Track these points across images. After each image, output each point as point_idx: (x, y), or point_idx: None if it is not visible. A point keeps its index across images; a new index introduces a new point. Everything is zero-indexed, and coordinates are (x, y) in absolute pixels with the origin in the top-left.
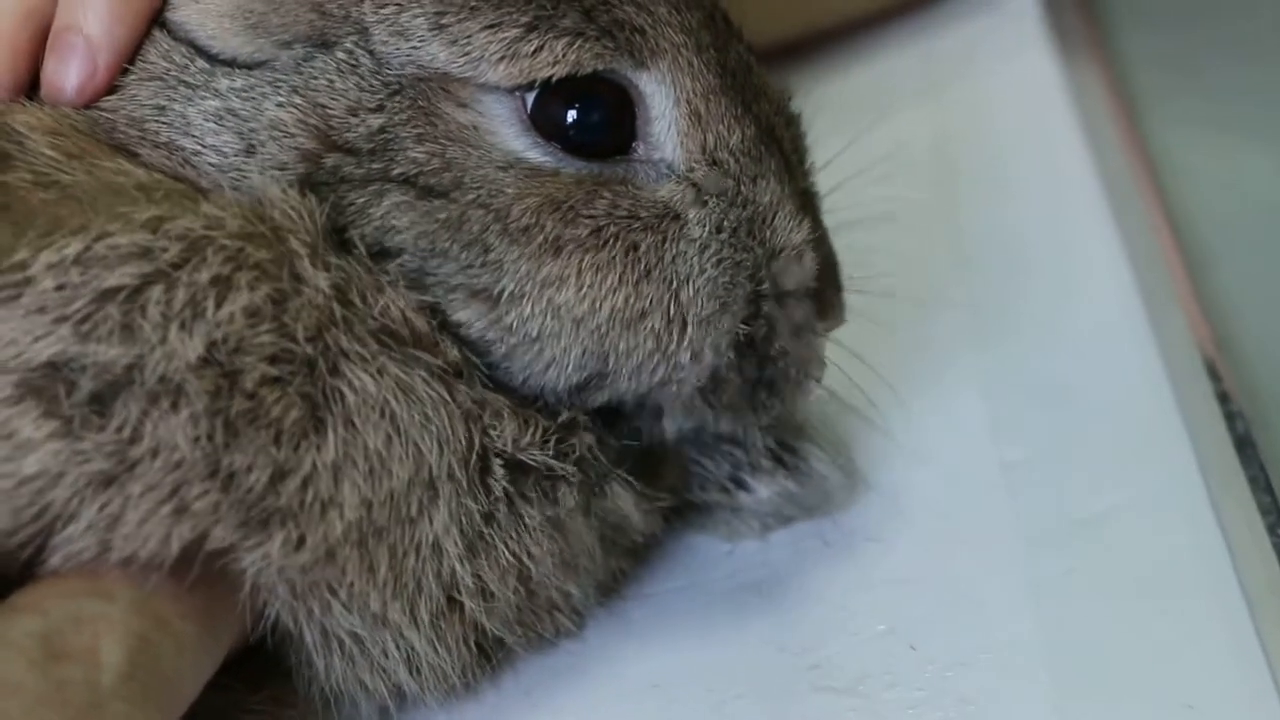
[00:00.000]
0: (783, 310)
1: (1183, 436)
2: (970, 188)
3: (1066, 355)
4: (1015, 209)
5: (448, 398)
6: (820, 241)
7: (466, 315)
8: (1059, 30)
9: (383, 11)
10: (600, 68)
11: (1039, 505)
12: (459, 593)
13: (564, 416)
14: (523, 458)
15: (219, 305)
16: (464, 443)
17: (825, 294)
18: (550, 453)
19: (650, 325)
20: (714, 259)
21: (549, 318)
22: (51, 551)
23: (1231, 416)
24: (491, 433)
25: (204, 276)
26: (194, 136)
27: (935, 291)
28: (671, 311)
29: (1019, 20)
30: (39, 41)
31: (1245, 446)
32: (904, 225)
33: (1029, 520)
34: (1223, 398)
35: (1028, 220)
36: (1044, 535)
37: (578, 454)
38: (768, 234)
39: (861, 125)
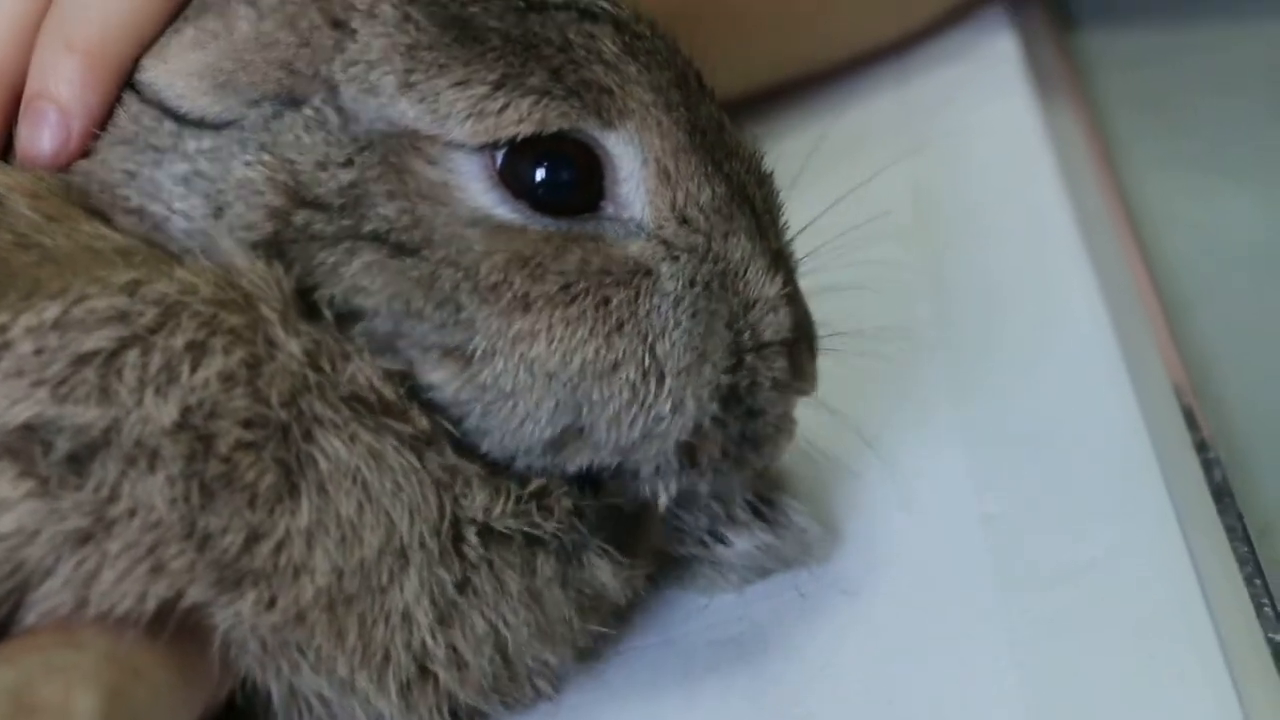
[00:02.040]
0: (763, 362)
1: (1160, 485)
2: (948, 233)
3: (1044, 404)
4: (993, 254)
5: (418, 466)
6: (793, 298)
7: (440, 376)
8: (1037, 74)
9: (352, 70)
10: (566, 127)
11: (1018, 556)
12: (431, 663)
13: (534, 484)
14: (496, 526)
15: (194, 370)
16: (435, 511)
17: (799, 355)
18: (524, 521)
19: (625, 376)
20: (689, 311)
21: (521, 372)
22: (27, 609)
23: (1209, 465)
24: (463, 501)
25: (179, 342)
26: (163, 201)
27: (913, 339)
28: (646, 363)
29: (997, 64)
30: (9, 103)
31: (1223, 495)
32: (880, 272)
33: (1008, 571)
34: (1200, 446)
35: (1005, 265)
36: (1023, 586)
37: (553, 521)
38: (741, 286)
39: (838, 172)
